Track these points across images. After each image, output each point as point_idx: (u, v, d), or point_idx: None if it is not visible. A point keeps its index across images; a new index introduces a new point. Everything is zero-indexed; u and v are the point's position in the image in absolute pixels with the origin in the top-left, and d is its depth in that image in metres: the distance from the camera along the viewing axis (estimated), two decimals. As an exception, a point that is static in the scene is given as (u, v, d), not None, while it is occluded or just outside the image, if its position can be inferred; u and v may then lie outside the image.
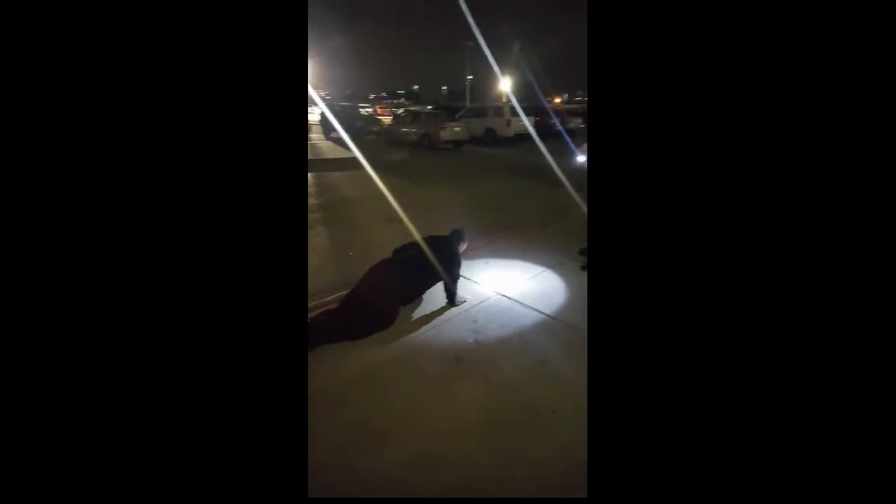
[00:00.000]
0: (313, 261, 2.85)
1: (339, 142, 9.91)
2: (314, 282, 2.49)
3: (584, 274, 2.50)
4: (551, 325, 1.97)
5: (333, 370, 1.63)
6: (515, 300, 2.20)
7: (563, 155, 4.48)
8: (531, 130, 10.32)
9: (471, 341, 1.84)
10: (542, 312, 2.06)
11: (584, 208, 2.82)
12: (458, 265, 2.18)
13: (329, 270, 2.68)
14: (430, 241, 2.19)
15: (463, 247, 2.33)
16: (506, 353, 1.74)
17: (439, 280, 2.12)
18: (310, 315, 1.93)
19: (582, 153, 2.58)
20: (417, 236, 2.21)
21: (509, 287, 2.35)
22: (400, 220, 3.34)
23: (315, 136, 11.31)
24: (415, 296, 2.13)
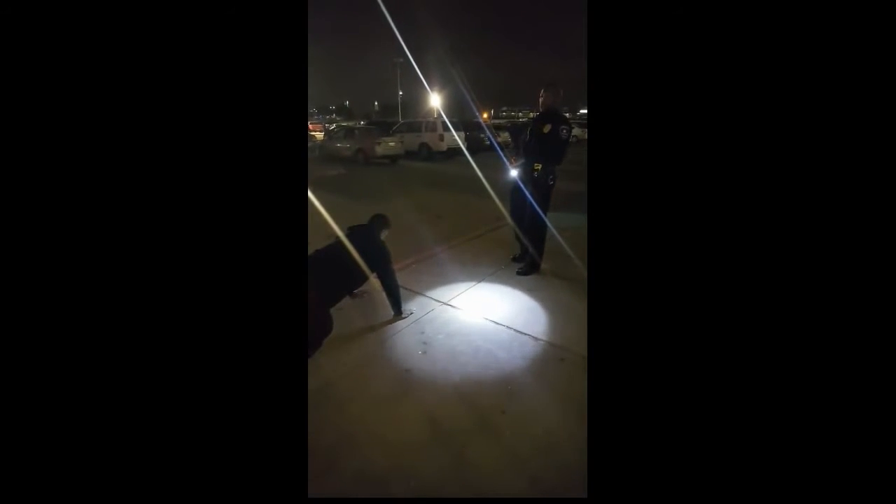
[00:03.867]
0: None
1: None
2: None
3: (521, 279, 2.69)
4: (496, 330, 2.08)
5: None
6: (460, 309, 2.29)
7: (492, 168, 4.77)
8: (461, 145, 10.77)
9: (420, 353, 1.88)
10: (486, 319, 2.17)
11: (510, 219, 3.01)
12: (382, 253, 2.11)
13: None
14: (351, 231, 2.14)
15: (385, 233, 2.28)
16: (454, 362, 1.81)
17: (364, 275, 2.04)
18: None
19: (513, 167, 2.78)
20: (341, 234, 2.13)
21: (454, 296, 2.44)
22: (338, 238, 3.28)
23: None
24: (340, 294, 2.03)
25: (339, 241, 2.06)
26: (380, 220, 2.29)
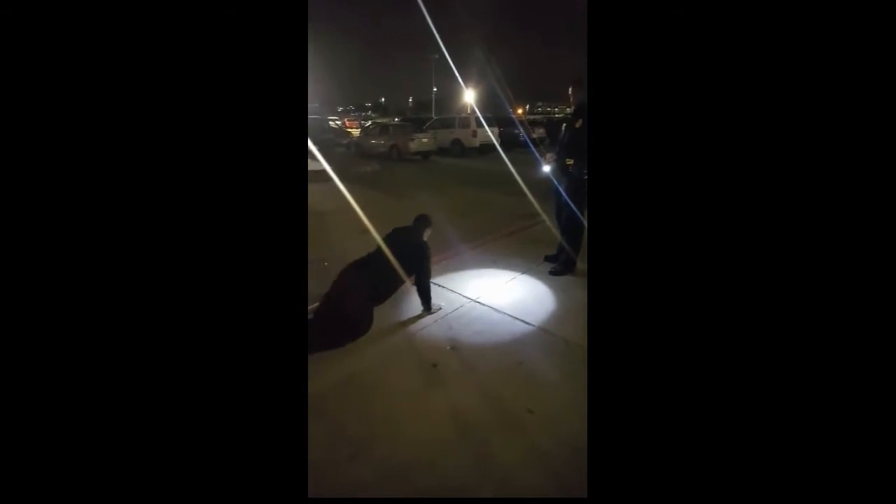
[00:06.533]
0: (285, 275, 2.81)
1: (310, 154, 9.75)
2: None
3: (553, 279, 2.63)
4: (525, 329, 2.05)
5: (312, 382, 1.61)
6: (490, 306, 2.27)
7: (526, 164, 4.68)
8: (495, 141, 10.65)
9: (448, 348, 1.88)
10: (516, 318, 2.14)
11: (544, 216, 2.95)
12: (425, 254, 2.17)
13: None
14: (394, 233, 2.21)
15: (427, 233, 2.34)
16: (482, 359, 1.80)
17: (403, 277, 2.11)
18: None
19: (547, 163, 2.71)
20: (379, 239, 2.21)
21: (483, 294, 2.42)
22: (372, 232, 3.36)
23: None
24: (387, 293, 2.11)
25: (385, 243, 2.14)
26: (423, 220, 2.36)
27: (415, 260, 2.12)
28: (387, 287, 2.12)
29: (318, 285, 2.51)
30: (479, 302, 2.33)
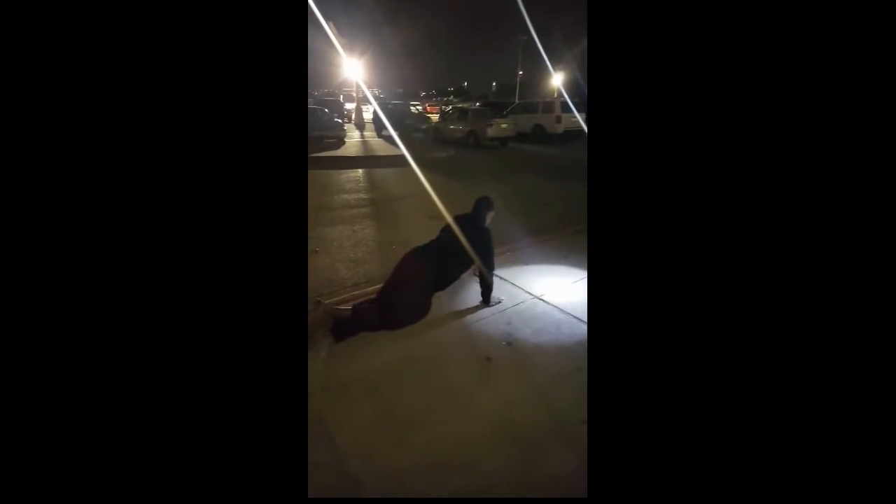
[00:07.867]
0: (358, 252, 2.98)
1: (391, 139, 10.18)
2: (357, 272, 2.61)
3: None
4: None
5: (369, 359, 1.70)
6: (553, 305, 2.15)
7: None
8: (584, 127, 9.91)
9: (503, 343, 1.83)
10: (581, 320, 2.00)
11: None
12: (489, 240, 2.09)
13: (372, 262, 2.79)
14: (457, 220, 2.14)
15: (490, 216, 2.21)
16: (539, 359, 1.71)
17: (471, 264, 2.07)
18: (352, 304, 2.03)
19: None
20: (451, 220, 2.16)
21: (547, 291, 2.30)
22: (441, 218, 3.38)
23: (368, 134, 11.72)
24: (446, 282, 2.10)
25: (449, 230, 2.11)
26: (485, 203, 2.20)
27: (477, 248, 2.05)
28: (448, 276, 2.11)
29: (384, 267, 2.63)
30: (542, 299, 2.21)
